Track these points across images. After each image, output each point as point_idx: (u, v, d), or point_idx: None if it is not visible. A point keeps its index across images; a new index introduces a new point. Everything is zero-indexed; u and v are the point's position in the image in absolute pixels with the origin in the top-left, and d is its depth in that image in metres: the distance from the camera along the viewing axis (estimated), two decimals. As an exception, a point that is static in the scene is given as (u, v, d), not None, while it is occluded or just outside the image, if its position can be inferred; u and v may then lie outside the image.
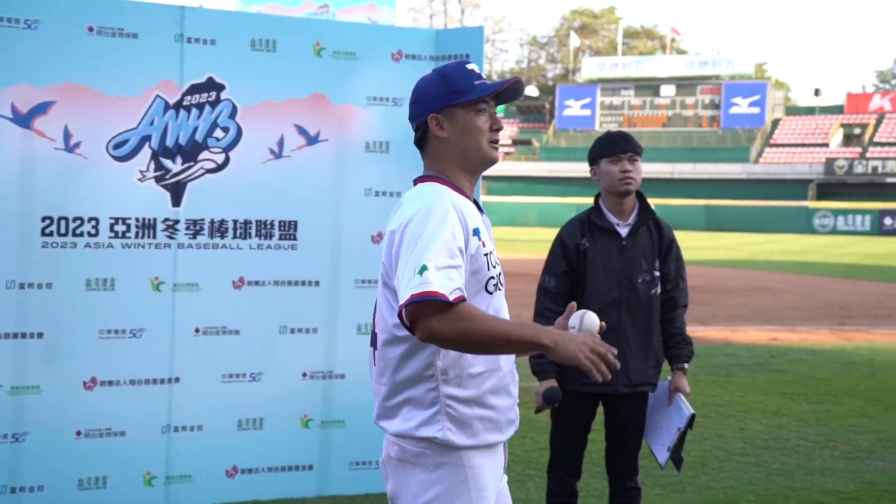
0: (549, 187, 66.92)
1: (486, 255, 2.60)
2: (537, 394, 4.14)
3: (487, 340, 2.42)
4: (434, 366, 2.56)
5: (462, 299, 2.40)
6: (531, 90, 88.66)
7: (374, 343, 2.70)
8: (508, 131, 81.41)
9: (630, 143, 4.18)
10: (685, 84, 76.30)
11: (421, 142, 2.72)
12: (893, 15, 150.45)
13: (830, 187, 67.09)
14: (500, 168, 74.61)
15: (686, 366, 4.29)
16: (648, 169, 69.71)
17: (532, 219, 63.80)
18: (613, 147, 4.14)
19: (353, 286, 5.48)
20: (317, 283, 5.42)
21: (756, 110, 74.31)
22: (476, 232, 2.58)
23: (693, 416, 4.19)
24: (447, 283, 2.38)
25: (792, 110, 78.89)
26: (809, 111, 76.75)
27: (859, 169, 65.46)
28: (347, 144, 5.46)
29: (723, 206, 64.71)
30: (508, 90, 2.67)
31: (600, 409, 4.31)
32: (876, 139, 71.10)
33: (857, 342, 12.09)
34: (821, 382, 9.29)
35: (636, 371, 4.17)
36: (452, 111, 2.64)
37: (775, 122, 75.73)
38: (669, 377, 4.32)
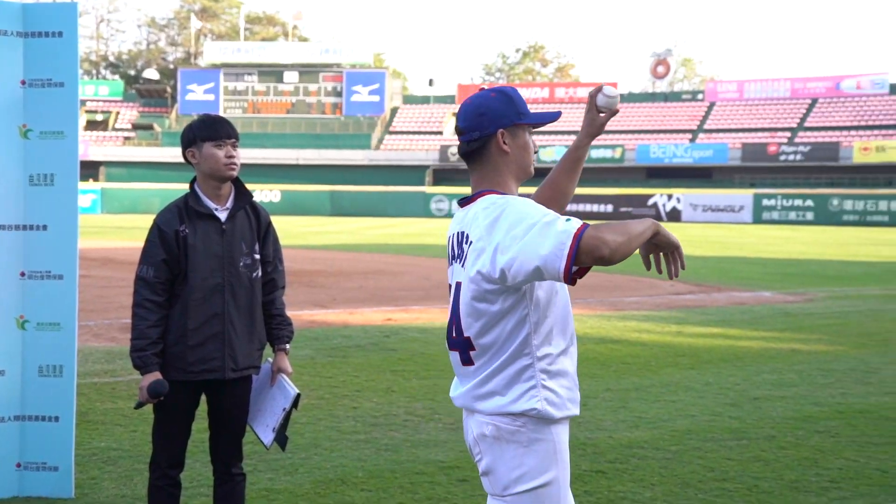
0: (173, 173, 65.11)
1: None
2: (141, 388, 4.01)
3: (635, 237, 2.71)
4: (530, 344, 2.83)
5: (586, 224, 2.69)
6: (151, 73, 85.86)
7: (456, 346, 2.93)
8: (128, 115, 78.28)
9: (233, 129, 4.17)
10: (308, 71, 77.24)
11: (476, 152, 2.95)
12: (496, 12, 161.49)
13: (445, 173, 70.86)
14: (120, 154, 71.68)
15: (287, 346, 4.34)
16: (274, 155, 69.99)
17: (155, 205, 61.77)
18: (219, 131, 4.09)
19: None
20: None
21: (376, 98, 76.75)
22: None
23: (298, 395, 4.25)
24: (574, 220, 2.67)
25: (409, 99, 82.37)
26: (425, 100, 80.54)
27: (470, 156, 69.59)
28: (-79, 126, 4.97)
29: (347, 192, 66.34)
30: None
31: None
32: (485, 128, 75.85)
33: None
34: (430, 359, 9.78)
35: (242, 354, 4.16)
36: (515, 130, 2.95)
37: (394, 111, 78.68)
38: (271, 359, 4.36)
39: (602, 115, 3.15)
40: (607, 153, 67.20)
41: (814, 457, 6.23)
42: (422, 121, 77.18)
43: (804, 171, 63.19)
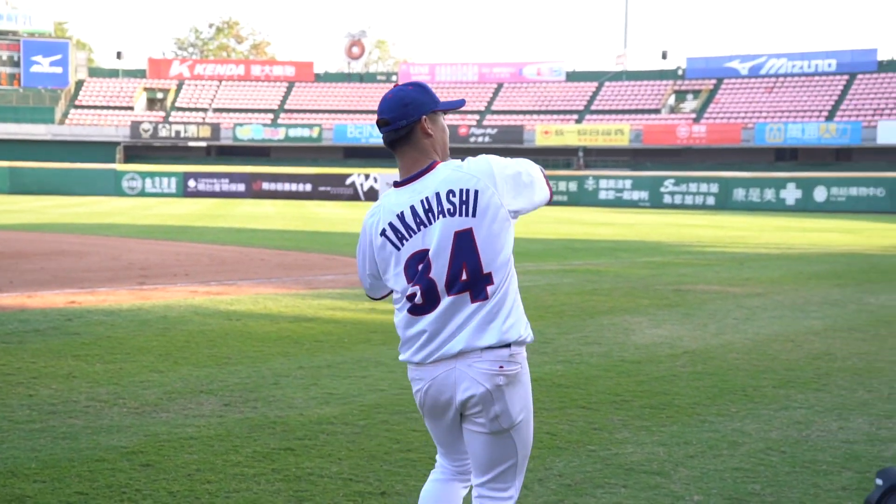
0: None
1: None
2: None
3: None
4: (514, 271, 3.42)
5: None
6: None
7: (465, 288, 3.28)
8: None
9: None
10: (-19, 38, 71.76)
11: (404, 138, 3.35)
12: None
13: (137, 150, 68.31)
14: None
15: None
16: (-59, 128, 64.42)
17: None
18: None
19: None
20: None
21: (59, 70, 72.71)
22: None
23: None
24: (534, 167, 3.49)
25: (95, 72, 78.51)
26: (113, 74, 77.07)
27: (164, 133, 67.51)
28: None
29: (28, 169, 62.41)
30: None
31: None
32: (178, 104, 73.93)
33: (154, 300, 12.45)
34: (116, 342, 9.39)
35: None
36: (434, 116, 3.42)
37: (79, 84, 74.80)
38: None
39: None
40: (305, 132, 67.28)
41: (493, 423, 6.56)
42: (110, 95, 73.79)
43: (492, 153, 65.90)
